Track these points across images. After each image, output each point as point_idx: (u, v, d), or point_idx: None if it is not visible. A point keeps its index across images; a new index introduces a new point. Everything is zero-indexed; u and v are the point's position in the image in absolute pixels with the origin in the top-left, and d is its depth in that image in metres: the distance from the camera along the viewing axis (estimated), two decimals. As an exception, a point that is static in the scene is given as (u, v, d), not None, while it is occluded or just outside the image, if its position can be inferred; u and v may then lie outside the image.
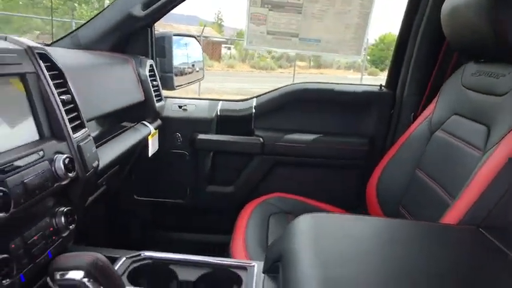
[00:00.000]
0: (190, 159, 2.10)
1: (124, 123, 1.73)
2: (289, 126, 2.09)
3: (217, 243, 2.19)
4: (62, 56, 1.10)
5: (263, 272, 1.02)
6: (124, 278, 1.01)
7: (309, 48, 1.89)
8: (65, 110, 1.01)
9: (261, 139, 2.05)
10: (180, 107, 2.09)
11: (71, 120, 1.04)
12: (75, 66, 1.32)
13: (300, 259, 0.79)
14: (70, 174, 0.95)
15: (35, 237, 0.87)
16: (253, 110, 2.08)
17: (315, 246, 0.84)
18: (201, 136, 2.05)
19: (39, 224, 0.90)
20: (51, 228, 0.94)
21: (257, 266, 1.07)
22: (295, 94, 2.07)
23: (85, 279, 0.70)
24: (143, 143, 1.76)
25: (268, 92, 2.14)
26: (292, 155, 2.07)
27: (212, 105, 2.11)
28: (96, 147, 1.16)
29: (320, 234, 0.90)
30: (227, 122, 2.09)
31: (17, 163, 0.82)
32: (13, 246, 0.81)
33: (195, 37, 2.26)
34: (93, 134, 1.54)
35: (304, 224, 0.95)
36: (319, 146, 2.05)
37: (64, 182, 0.95)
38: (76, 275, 0.70)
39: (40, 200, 0.87)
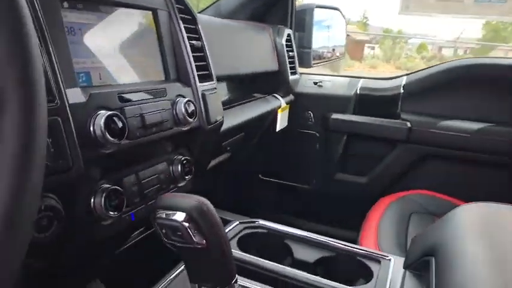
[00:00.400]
0: (320, 141, 1.92)
1: (255, 95, 1.67)
2: (446, 111, 1.71)
3: (342, 239, 1.96)
4: (199, 17, 1.06)
5: (404, 268, 0.79)
6: (233, 242, 0.90)
7: (487, 11, 1.47)
8: (193, 56, 0.96)
9: (408, 123, 1.73)
10: (315, 83, 1.93)
11: (198, 68, 0.98)
12: (211, 26, 1.29)
13: (467, 255, 0.57)
14: (190, 120, 0.88)
15: (149, 179, 0.83)
16: (402, 90, 1.78)
17: (485, 240, 0.61)
18: (336, 116, 1.85)
19: (156, 167, 0.86)
20: (168, 175, 0.89)
21: (394, 260, 0.84)
22: (458, 71, 1.68)
23: (185, 223, 0.59)
24: (272, 116, 1.66)
25: (422, 70, 1.80)
26: (447, 146, 1.68)
27: (352, 83, 1.89)
28: (224, 109, 1.10)
29: (490, 226, 0.68)
30: (368, 102, 1.83)
31: (138, 95, 0.78)
32: (126, 182, 0.78)
33: (339, 10, 2.07)
34: (223, 97, 1.51)
35: (469, 214, 0.71)
36: (486, 137, 1.62)
37: (184, 128, 0.89)
38: (177, 216, 0.60)
39: (157, 140, 0.82)
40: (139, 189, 0.80)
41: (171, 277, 0.74)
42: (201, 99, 0.96)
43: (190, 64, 0.95)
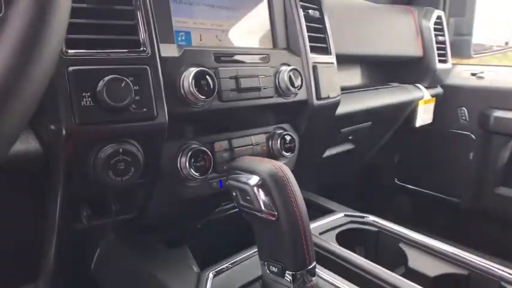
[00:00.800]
0: (477, 145, 1.57)
1: (391, 84, 1.48)
2: None
3: None
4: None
5: None
6: (331, 235, 0.77)
7: None
8: (307, 26, 0.89)
9: None
10: (473, 74, 1.60)
11: (313, 39, 0.90)
12: (347, 5, 1.19)
13: None
14: (294, 90, 0.80)
15: (242, 148, 0.78)
16: None
17: None
18: (499, 113, 1.48)
19: (252, 137, 0.81)
20: (265, 148, 0.83)
21: None
22: None
23: (256, 188, 0.52)
24: (411, 109, 1.44)
25: None
26: None
27: None
28: (344, 91, 0.98)
29: None
30: None
31: (237, 58, 0.74)
32: (218, 146, 0.75)
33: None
34: (354, 82, 1.38)
35: None
36: None
37: (287, 99, 0.81)
38: (250, 179, 0.53)
39: (255, 108, 0.77)
40: (231, 157, 0.76)
41: (246, 254, 0.67)
42: (311, 71, 0.87)
43: (302, 33, 0.87)
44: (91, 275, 0.78)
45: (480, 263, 0.68)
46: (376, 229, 0.80)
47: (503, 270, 0.65)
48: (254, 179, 0.53)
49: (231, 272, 0.63)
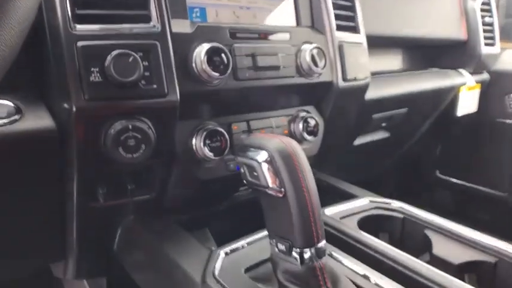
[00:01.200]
0: (526, 136, 1.44)
1: (432, 69, 1.38)
2: None
3: None
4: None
5: None
6: (352, 220, 0.73)
7: None
8: (334, 4, 0.84)
9: None
10: (524, 59, 1.46)
11: (340, 17, 0.85)
12: None
13: None
14: (317, 70, 0.76)
15: (262, 130, 0.76)
16: None
17: None
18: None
19: (272, 120, 0.78)
20: (286, 131, 0.80)
21: None
22: None
23: (264, 164, 0.50)
24: (452, 96, 1.34)
25: None
26: None
27: None
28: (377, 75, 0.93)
29: None
30: None
31: (255, 35, 0.72)
32: (235, 127, 0.73)
33: None
34: (392, 66, 1.31)
35: None
36: None
37: (310, 80, 0.78)
38: (258, 155, 0.51)
39: (275, 88, 0.74)
40: (248, 139, 0.74)
41: (261, 235, 0.65)
42: (336, 50, 0.83)
43: (327, 10, 0.83)
44: (114, 255, 0.79)
45: (507, 249, 0.61)
46: (402, 215, 0.75)
47: None
48: (262, 155, 0.50)
49: (243, 252, 0.61)
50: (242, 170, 0.54)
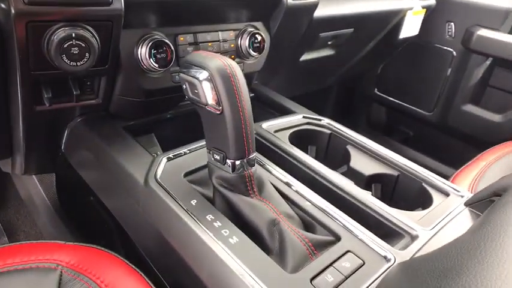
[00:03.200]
0: (455, 62, 1.56)
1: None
2: None
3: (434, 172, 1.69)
4: None
5: (465, 205, 0.63)
6: (285, 134, 0.81)
7: None
8: None
9: None
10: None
11: None
12: None
13: None
14: None
15: (208, 43, 0.78)
16: None
17: None
18: (483, 32, 1.45)
19: (219, 33, 0.80)
20: (232, 45, 0.82)
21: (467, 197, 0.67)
22: None
23: (205, 82, 0.54)
24: (398, 19, 1.38)
25: None
26: None
27: None
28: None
29: None
30: None
31: None
32: (181, 39, 0.74)
33: None
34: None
35: None
36: None
37: None
38: (199, 74, 0.54)
39: (222, 2, 0.74)
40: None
41: (202, 143, 0.72)
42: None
43: None
44: (62, 154, 0.83)
45: (408, 165, 0.74)
46: (329, 131, 0.85)
47: (427, 174, 0.72)
48: (203, 74, 0.54)
49: (184, 158, 0.68)
50: (184, 87, 0.57)
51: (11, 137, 0.79)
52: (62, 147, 0.83)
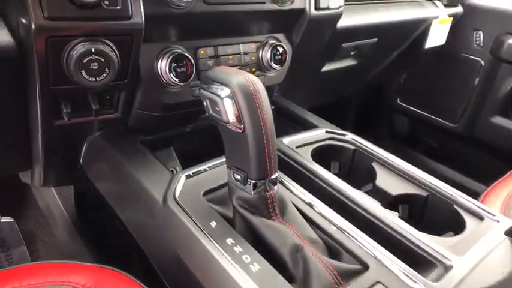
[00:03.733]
0: (484, 72, 1.50)
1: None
2: None
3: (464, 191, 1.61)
4: None
5: (505, 234, 0.59)
6: (306, 150, 0.78)
7: None
8: None
9: None
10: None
11: None
12: None
13: None
14: None
15: (229, 56, 0.76)
16: None
17: None
18: (516, 40, 1.39)
19: (240, 46, 0.78)
20: (254, 58, 0.80)
21: (503, 223, 0.62)
22: None
23: (227, 99, 0.51)
24: (424, 28, 1.34)
25: None
26: None
27: None
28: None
29: None
30: None
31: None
32: (202, 52, 0.72)
33: None
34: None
35: None
36: None
37: (282, 7, 0.76)
38: (221, 91, 0.52)
39: (245, 14, 0.72)
40: (217, 65, 0.74)
41: (223, 160, 0.69)
42: (310, -23, 0.80)
43: None
44: (81, 167, 0.82)
45: (437, 185, 0.70)
46: (353, 147, 0.81)
47: (458, 195, 0.68)
48: (224, 91, 0.52)
49: (204, 175, 0.66)
50: (205, 103, 0.55)
51: (30, 149, 0.78)
52: (81, 160, 0.82)
